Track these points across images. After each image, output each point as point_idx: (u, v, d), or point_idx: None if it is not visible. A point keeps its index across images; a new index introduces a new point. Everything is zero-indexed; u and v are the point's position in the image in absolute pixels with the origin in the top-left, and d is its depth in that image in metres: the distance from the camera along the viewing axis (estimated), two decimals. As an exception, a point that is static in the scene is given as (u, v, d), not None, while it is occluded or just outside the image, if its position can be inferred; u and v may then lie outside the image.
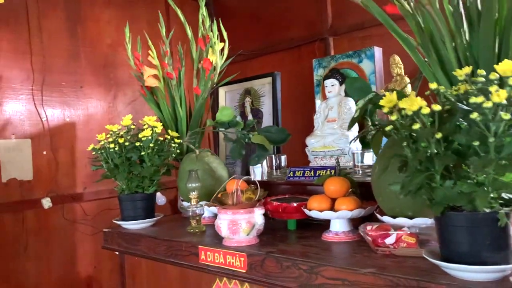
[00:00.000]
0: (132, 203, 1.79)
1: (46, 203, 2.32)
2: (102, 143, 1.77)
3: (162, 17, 2.12)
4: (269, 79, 2.21)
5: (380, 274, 1.05)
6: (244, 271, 1.34)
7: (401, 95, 1.16)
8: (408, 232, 1.18)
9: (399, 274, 1.02)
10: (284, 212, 1.57)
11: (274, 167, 1.93)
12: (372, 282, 1.05)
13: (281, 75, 2.26)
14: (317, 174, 1.72)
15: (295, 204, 1.56)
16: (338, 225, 1.41)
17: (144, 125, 1.78)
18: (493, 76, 0.87)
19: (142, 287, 1.80)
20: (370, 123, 1.41)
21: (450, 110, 0.96)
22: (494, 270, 0.91)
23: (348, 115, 1.79)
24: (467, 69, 0.95)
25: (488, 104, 0.82)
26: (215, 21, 2.04)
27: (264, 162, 1.95)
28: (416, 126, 0.91)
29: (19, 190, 2.26)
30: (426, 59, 1.22)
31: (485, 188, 0.88)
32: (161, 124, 1.81)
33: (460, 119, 0.92)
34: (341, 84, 1.86)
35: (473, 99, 0.85)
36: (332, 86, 1.88)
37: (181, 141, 1.89)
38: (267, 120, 2.20)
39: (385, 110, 0.99)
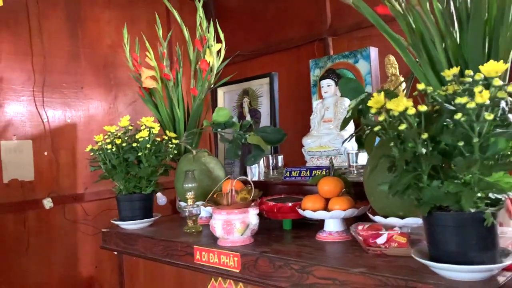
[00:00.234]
0: (130, 204, 1.81)
1: (47, 203, 2.34)
2: (99, 144, 1.79)
3: (161, 18, 2.14)
4: (267, 79, 2.21)
5: (369, 273, 1.05)
6: (237, 271, 1.35)
7: (393, 95, 1.17)
8: (399, 232, 1.19)
9: (388, 273, 1.03)
10: (279, 212, 1.58)
11: (271, 167, 1.94)
12: (362, 281, 1.06)
13: (281, 75, 2.27)
14: (313, 174, 1.73)
15: (290, 204, 1.57)
16: (332, 225, 1.42)
17: (142, 126, 1.80)
18: (478, 76, 0.87)
19: (140, 287, 1.82)
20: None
21: (438, 111, 0.96)
22: (481, 269, 0.91)
23: (344, 116, 1.79)
24: (455, 70, 0.95)
25: (472, 105, 0.82)
26: (211, 22, 2.05)
27: (261, 162, 1.96)
28: (403, 127, 0.92)
29: (20, 191, 2.29)
30: (417, 60, 1.22)
31: (471, 188, 0.89)
32: (159, 125, 1.83)
33: (448, 120, 0.92)
34: (337, 84, 1.86)
35: (458, 100, 0.85)
36: (328, 86, 1.89)
37: (178, 142, 1.90)
38: (265, 120, 2.21)
39: (373, 110, 1.00)
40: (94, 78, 2.61)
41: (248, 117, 2.29)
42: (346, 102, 1.84)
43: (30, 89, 2.35)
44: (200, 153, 1.87)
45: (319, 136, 1.87)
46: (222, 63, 2.10)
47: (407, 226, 1.20)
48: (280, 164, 1.96)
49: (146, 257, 1.70)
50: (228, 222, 1.40)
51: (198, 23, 2.04)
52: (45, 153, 2.38)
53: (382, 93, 0.99)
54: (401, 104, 0.91)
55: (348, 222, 1.44)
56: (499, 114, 0.86)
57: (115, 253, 1.89)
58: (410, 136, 0.92)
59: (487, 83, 0.88)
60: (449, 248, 0.94)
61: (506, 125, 0.86)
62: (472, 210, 0.89)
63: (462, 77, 0.94)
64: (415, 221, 1.17)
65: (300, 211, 1.46)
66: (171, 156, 1.86)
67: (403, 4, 1.20)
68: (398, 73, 1.83)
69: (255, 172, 1.99)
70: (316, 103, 1.96)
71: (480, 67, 0.87)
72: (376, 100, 0.99)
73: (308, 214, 1.42)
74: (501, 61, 0.88)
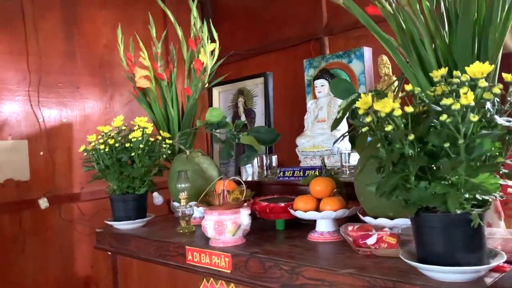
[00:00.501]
0: (123, 204, 1.81)
1: (43, 203, 2.34)
2: (93, 144, 1.79)
3: (158, 18, 2.16)
4: (262, 79, 2.21)
5: (358, 274, 1.05)
6: (229, 271, 1.34)
7: (384, 96, 1.17)
8: (389, 233, 1.18)
9: (377, 274, 1.03)
10: (272, 212, 1.58)
11: (265, 167, 1.93)
12: (350, 282, 1.06)
13: (277, 75, 2.26)
14: (306, 174, 1.73)
15: (282, 204, 1.57)
16: (324, 225, 1.42)
17: (135, 126, 1.79)
18: (464, 77, 0.87)
19: (134, 287, 1.82)
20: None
21: (426, 112, 0.96)
22: (468, 271, 0.91)
23: (338, 116, 1.79)
24: (443, 71, 0.95)
25: (457, 106, 0.82)
26: (205, 22, 2.05)
27: (255, 162, 1.96)
28: (389, 128, 0.92)
29: (16, 191, 2.29)
30: (407, 60, 1.22)
31: (458, 190, 0.89)
32: (152, 125, 1.82)
33: (435, 121, 0.92)
34: (330, 84, 1.86)
35: (443, 101, 0.85)
36: (322, 86, 1.89)
37: (172, 142, 1.90)
38: (259, 120, 2.21)
39: (361, 111, 0.99)
40: (90, 78, 2.60)
41: (243, 117, 2.28)
42: (340, 102, 1.83)
43: (26, 89, 2.35)
44: (193, 153, 1.87)
45: (312, 136, 1.86)
46: (216, 62, 2.09)
47: (397, 227, 1.19)
48: (274, 164, 1.96)
49: (139, 258, 1.70)
50: (220, 223, 1.39)
51: (192, 23, 2.04)
52: (41, 153, 2.38)
53: (370, 94, 0.99)
54: (388, 105, 0.91)
55: (340, 222, 1.43)
56: (486, 115, 0.86)
57: (109, 253, 1.89)
58: (396, 137, 0.92)
59: (474, 84, 0.88)
60: (436, 249, 0.94)
61: (492, 126, 0.86)
62: (459, 211, 0.89)
63: (451, 77, 0.94)
64: (405, 222, 1.17)
65: (291, 211, 1.46)
66: (164, 156, 1.86)
67: (393, 5, 1.20)
68: (391, 73, 1.82)
69: (249, 172, 1.99)
70: (310, 103, 1.96)
71: (466, 68, 0.87)
72: (364, 101, 0.98)
73: (299, 214, 1.42)
74: (487, 62, 0.88)
